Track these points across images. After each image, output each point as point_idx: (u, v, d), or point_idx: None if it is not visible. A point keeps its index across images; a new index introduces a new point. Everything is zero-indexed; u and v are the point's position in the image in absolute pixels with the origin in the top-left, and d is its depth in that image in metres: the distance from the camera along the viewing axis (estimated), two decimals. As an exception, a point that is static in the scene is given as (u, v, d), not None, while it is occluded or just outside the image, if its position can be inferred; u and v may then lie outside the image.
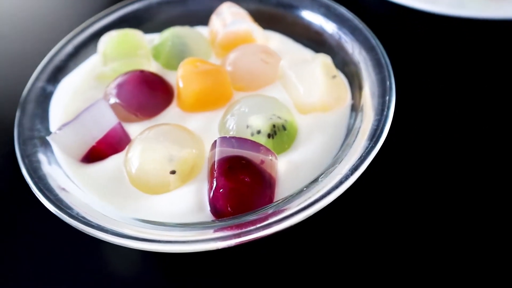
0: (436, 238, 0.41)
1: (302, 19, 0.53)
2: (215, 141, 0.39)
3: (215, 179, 0.37)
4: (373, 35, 0.47)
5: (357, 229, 0.42)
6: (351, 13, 0.50)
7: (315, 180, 0.38)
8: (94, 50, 0.53)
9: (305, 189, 0.37)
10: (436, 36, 0.58)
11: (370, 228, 0.42)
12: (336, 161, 0.39)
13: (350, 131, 0.42)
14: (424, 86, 0.53)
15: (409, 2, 0.57)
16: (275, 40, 0.53)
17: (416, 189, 0.45)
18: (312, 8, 0.52)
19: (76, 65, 0.52)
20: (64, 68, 0.52)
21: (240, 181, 0.37)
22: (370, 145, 0.38)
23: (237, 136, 0.40)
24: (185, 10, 0.56)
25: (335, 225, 0.42)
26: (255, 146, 0.39)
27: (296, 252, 0.41)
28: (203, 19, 0.54)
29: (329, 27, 0.51)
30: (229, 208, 0.37)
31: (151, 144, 0.41)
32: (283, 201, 0.37)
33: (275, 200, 0.38)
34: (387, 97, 0.41)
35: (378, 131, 0.39)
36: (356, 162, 0.37)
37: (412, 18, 0.59)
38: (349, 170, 0.36)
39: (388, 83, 0.42)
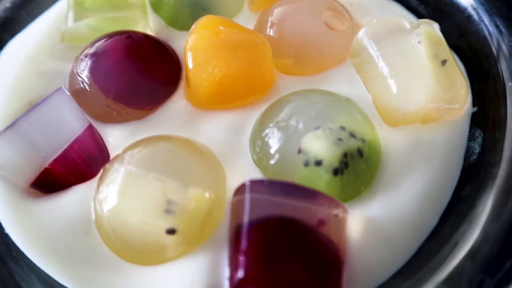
0: None
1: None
2: (244, 185, 0.26)
3: (241, 266, 0.25)
4: None
5: None
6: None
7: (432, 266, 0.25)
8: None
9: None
10: None
11: None
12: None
13: (475, 162, 0.29)
14: None
15: None
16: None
17: None
18: None
19: (32, 17, 0.39)
20: (13, 22, 0.38)
21: (286, 277, 0.24)
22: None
23: (281, 165, 0.28)
24: None
25: None
26: (311, 196, 0.26)
27: None
28: None
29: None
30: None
31: (136, 181, 0.27)
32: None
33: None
34: None
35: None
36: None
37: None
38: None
39: None
